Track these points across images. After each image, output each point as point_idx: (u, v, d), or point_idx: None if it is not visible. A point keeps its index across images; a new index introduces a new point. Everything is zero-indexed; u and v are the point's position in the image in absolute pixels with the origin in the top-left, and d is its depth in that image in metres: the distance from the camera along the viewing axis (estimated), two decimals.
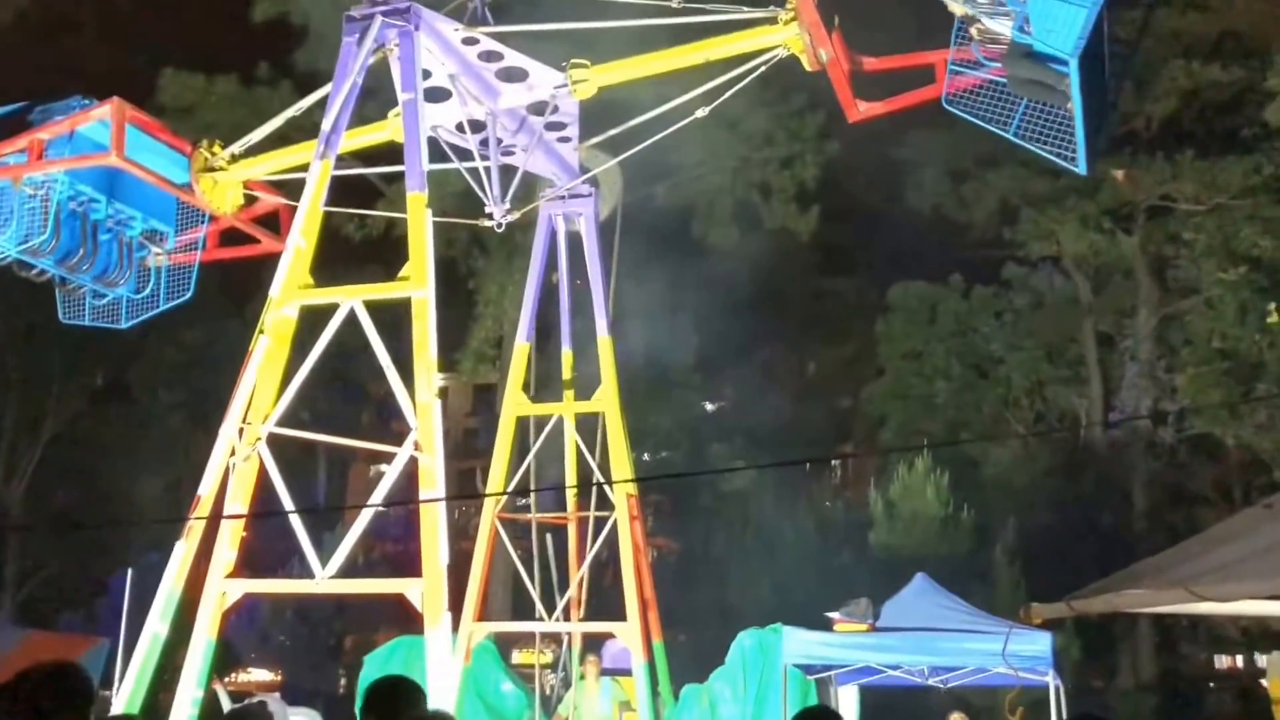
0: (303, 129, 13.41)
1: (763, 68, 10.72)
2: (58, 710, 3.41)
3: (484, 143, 11.98)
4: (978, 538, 22.70)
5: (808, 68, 10.41)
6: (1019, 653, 11.26)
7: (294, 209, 11.59)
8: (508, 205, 12.11)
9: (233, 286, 31.89)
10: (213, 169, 12.61)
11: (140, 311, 13.49)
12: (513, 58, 11.42)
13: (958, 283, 30.41)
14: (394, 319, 11.57)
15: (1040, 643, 11.35)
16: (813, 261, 24.25)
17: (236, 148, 12.60)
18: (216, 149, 12.66)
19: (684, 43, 10.94)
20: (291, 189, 12.64)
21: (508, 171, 12.26)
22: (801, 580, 20.97)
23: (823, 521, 29.55)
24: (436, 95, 11.64)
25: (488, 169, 12.04)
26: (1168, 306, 28.43)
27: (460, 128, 11.95)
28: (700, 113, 11.24)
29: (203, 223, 13.22)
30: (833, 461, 38.16)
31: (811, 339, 33.10)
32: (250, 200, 13.21)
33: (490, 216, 12.11)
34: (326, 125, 11.18)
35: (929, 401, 28.42)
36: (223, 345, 27.88)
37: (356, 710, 5.82)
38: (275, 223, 13.55)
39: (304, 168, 11.60)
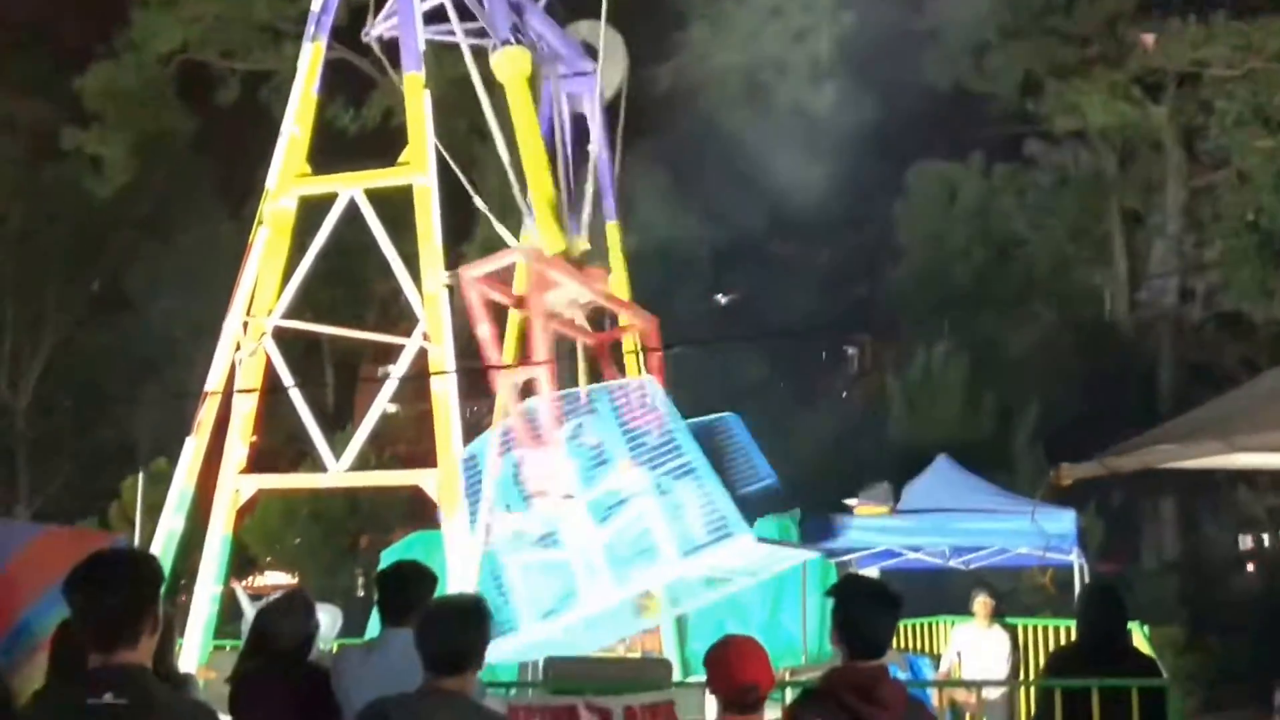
0: None
1: None
2: (133, 586, 3.34)
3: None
4: (1000, 422, 22.47)
5: None
6: (1043, 531, 11.10)
7: None
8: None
9: (228, 188, 31.54)
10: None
11: None
12: None
13: (978, 162, 29.70)
14: (395, 215, 11.28)
15: (1064, 521, 11.20)
16: (826, 144, 23.65)
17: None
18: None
19: None
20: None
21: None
22: (819, 471, 20.83)
23: (840, 413, 29.42)
24: None
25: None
26: (1198, 179, 27.71)
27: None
28: None
29: None
30: (849, 350, 37.96)
31: (827, 226, 32.56)
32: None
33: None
34: (315, 5, 10.81)
35: (947, 284, 27.97)
36: (219, 249, 27.53)
37: (376, 600, 5.74)
38: None
39: None
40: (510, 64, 10.50)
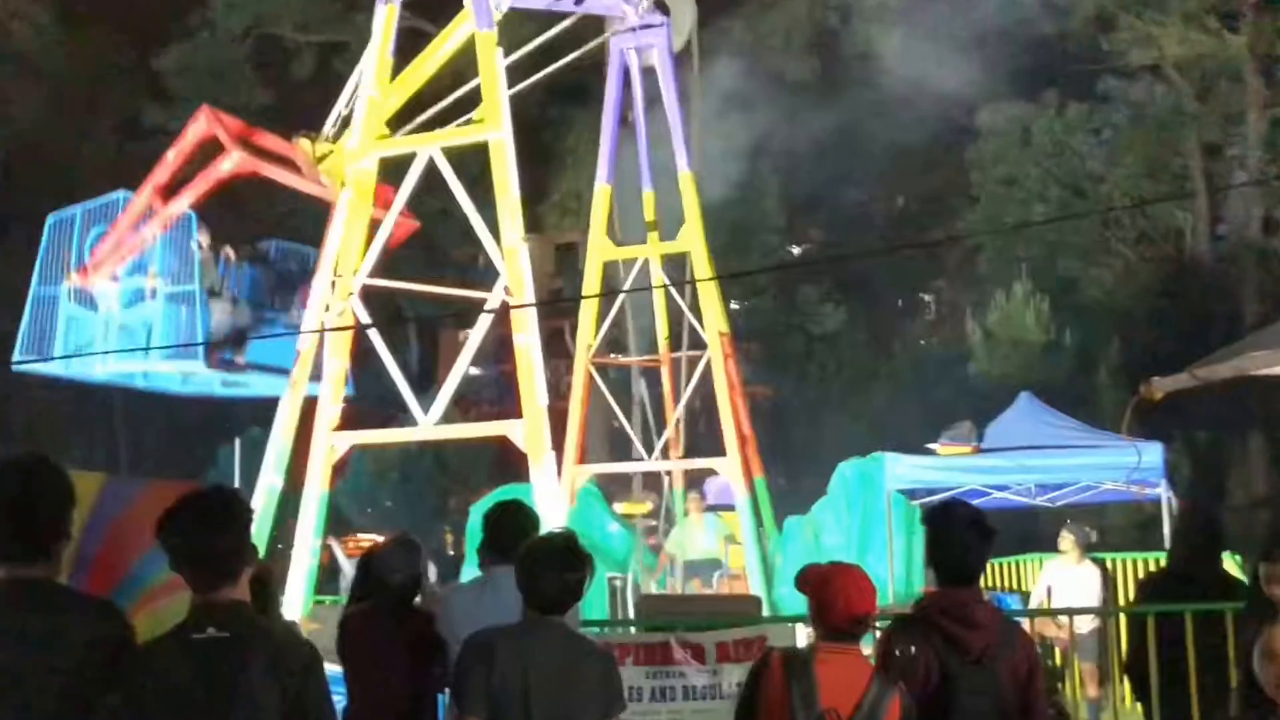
0: None
1: None
2: (228, 525, 3.46)
3: None
4: (1081, 362, 22.23)
5: None
6: (1131, 462, 11.02)
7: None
8: None
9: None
10: (322, 156, 12.05)
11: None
12: None
13: (1052, 100, 29.13)
14: (471, 178, 11.46)
15: (1152, 453, 11.11)
16: (896, 88, 23.36)
17: (329, 126, 12.03)
18: (313, 137, 12.09)
19: None
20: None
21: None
22: (900, 416, 20.80)
23: (919, 359, 29.21)
24: None
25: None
26: (1278, 108, 26.93)
27: None
28: None
29: None
30: (926, 296, 37.59)
31: (899, 171, 32.17)
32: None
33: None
34: None
35: (1025, 228, 27.56)
36: (303, 219, 28.07)
37: (469, 545, 5.91)
38: None
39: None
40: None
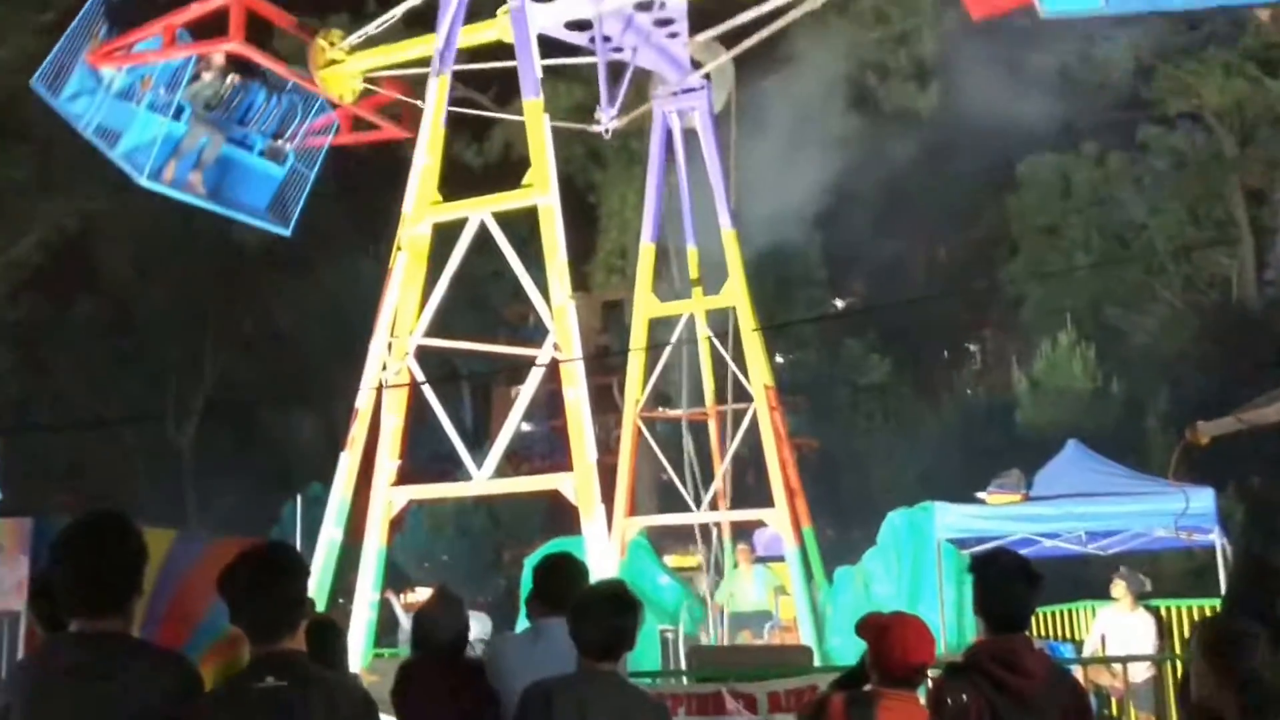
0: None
1: None
2: (284, 578, 3.63)
3: (592, 40, 11.96)
4: (1129, 410, 22.11)
5: None
6: (1182, 509, 10.94)
7: (412, 99, 11.71)
8: (615, 110, 12.07)
9: (364, 227, 32.92)
10: (332, 60, 12.66)
11: (287, 208, 13.58)
12: None
13: (1091, 151, 29.20)
14: (520, 240, 11.82)
15: (1203, 498, 11.02)
16: (935, 142, 23.58)
17: (355, 38, 12.63)
18: (335, 39, 12.70)
19: None
20: (415, 83, 12.69)
21: (616, 77, 12.21)
22: (947, 466, 20.78)
23: (966, 408, 29.14)
24: None
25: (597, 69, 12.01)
26: None
27: (569, 26, 11.93)
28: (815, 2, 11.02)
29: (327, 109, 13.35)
30: (971, 346, 37.52)
31: (940, 223, 32.33)
32: (370, 93, 13.21)
33: (599, 122, 12.05)
34: (439, 41, 11.38)
35: (1069, 275, 27.59)
36: (359, 285, 28.79)
37: (522, 597, 6.05)
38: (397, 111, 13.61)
39: (422, 61, 11.72)
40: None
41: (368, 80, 12.86)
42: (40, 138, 29.88)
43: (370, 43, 12.71)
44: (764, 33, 11.76)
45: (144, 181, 12.40)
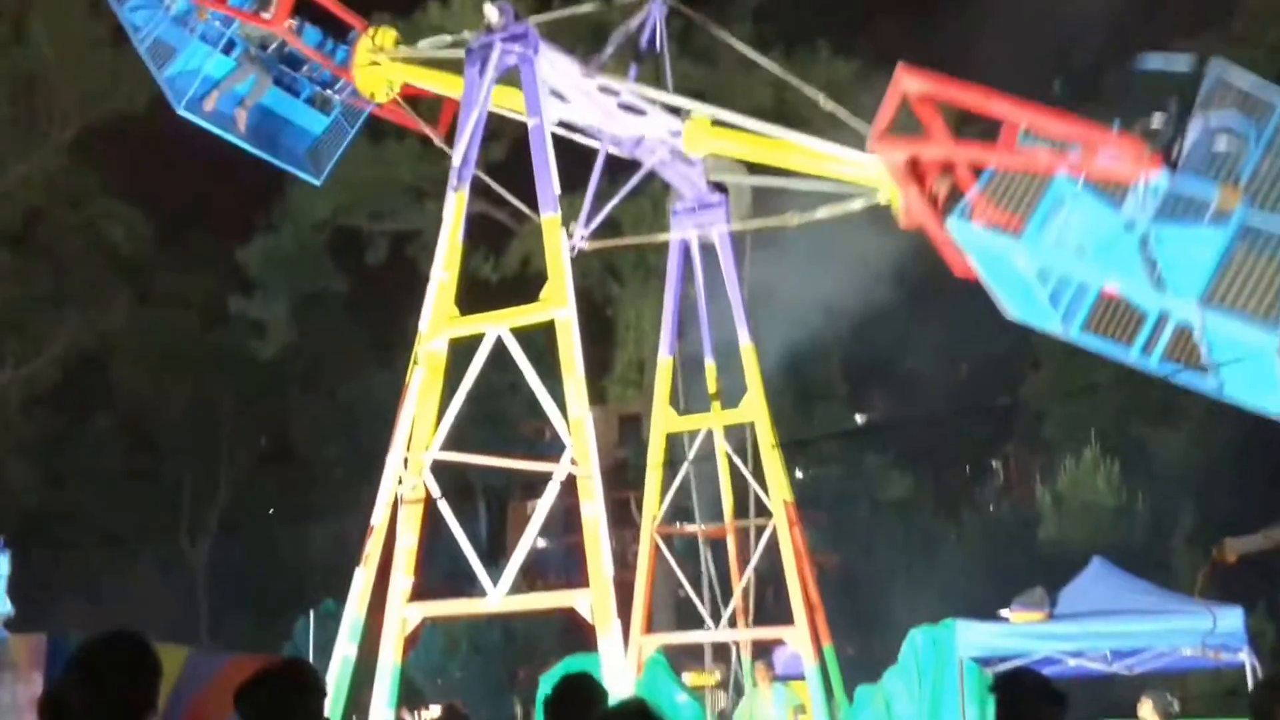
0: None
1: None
2: (301, 696, 3.65)
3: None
4: (1155, 526, 21.83)
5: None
6: (1210, 628, 10.70)
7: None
8: (587, 233, 12.19)
9: (380, 341, 33.27)
10: (374, 61, 12.66)
11: (323, 160, 13.61)
12: (630, 97, 11.59)
13: None
14: (537, 354, 11.86)
15: (1232, 617, 10.78)
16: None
17: (404, 51, 12.66)
18: (385, 41, 12.72)
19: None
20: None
21: (600, 202, 12.38)
22: (969, 583, 20.48)
23: (988, 524, 28.80)
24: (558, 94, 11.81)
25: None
26: None
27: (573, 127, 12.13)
28: (792, 220, 11.22)
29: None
30: (993, 462, 37.25)
31: (961, 338, 32.36)
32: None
33: (569, 235, 12.02)
34: (457, 159, 11.52)
35: (1092, 391, 27.42)
36: (374, 400, 29.00)
37: (537, 716, 5.89)
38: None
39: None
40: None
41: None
42: (59, 255, 30.66)
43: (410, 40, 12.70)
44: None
45: (181, 110, 12.47)
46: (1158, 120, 8.27)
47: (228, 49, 12.64)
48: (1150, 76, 8.51)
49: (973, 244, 8.90)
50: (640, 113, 11.74)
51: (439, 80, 12.53)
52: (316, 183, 13.76)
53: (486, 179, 12.75)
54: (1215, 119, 8.38)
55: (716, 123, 11.31)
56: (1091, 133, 8.32)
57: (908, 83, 8.99)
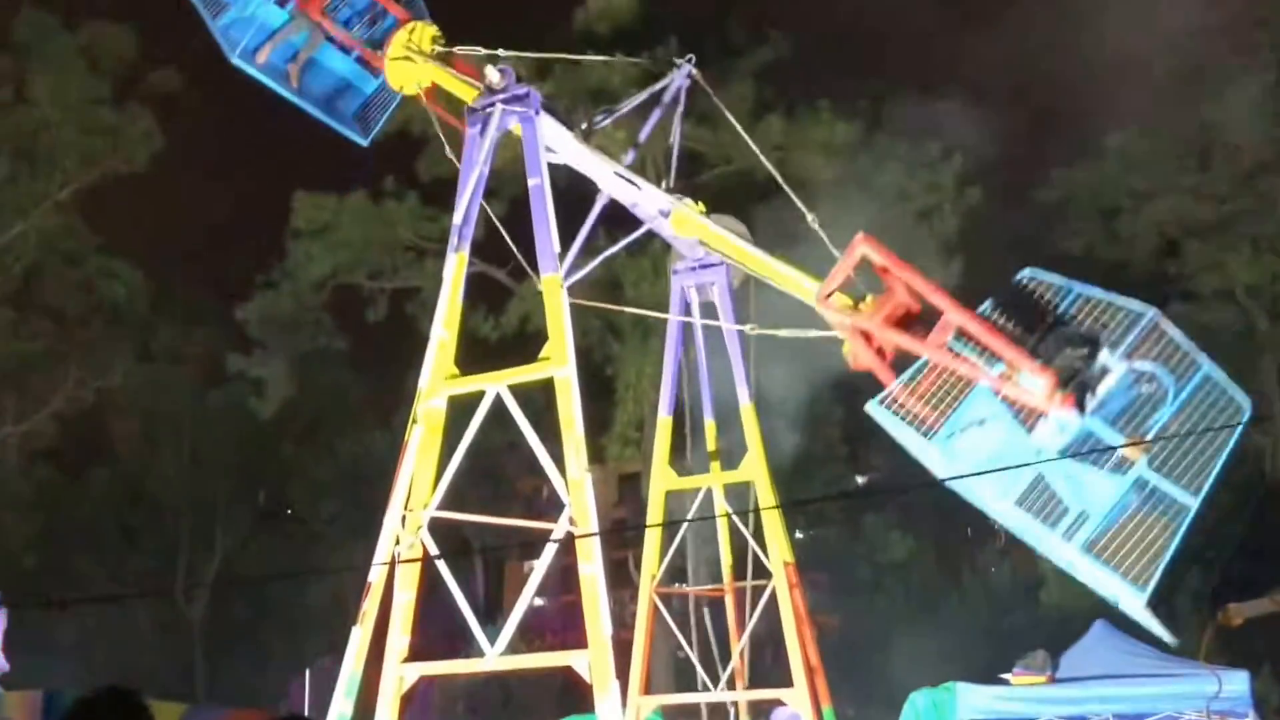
0: None
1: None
2: None
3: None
4: (1158, 589, 21.58)
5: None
6: (1215, 692, 10.62)
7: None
8: (568, 268, 12.17)
9: (378, 399, 33.30)
10: (407, 56, 12.53)
11: (370, 121, 13.54)
12: (625, 171, 11.72)
13: None
14: (536, 413, 11.85)
15: (1237, 681, 10.73)
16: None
17: (440, 48, 12.53)
18: (422, 40, 12.55)
19: None
20: None
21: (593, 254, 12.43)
22: (970, 646, 20.27)
23: (989, 586, 28.59)
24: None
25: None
26: None
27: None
28: (751, 331, 11.41)
29: None
30: (994, 524, 37.00)
31: None
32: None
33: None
34: (457, 218, 11.59)
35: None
36: (373, 458, 28.97)
37: None
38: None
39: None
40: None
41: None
42: (57, 311, 30.80)
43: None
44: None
45: (235, 59, 12.31)
46: (1075, 358, 8.57)
47: (282, 1, 12.59)
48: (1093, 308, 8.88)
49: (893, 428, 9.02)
50: (634, 184, 11.81)
51: (469, 93, 12.22)
52: (364, 143, 13.56)
53: (499, 229, 12.74)
54: (1139, 365, 8.67)
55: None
56: (1016, 355, 8.56)
57: (864, 249, 9.34)
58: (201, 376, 34.19)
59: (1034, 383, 8.49)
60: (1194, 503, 8.55)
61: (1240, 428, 8.79)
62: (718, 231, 11.30)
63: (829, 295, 9.60)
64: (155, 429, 34.47)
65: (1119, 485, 8.53)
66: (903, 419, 8.91)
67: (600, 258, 12.92)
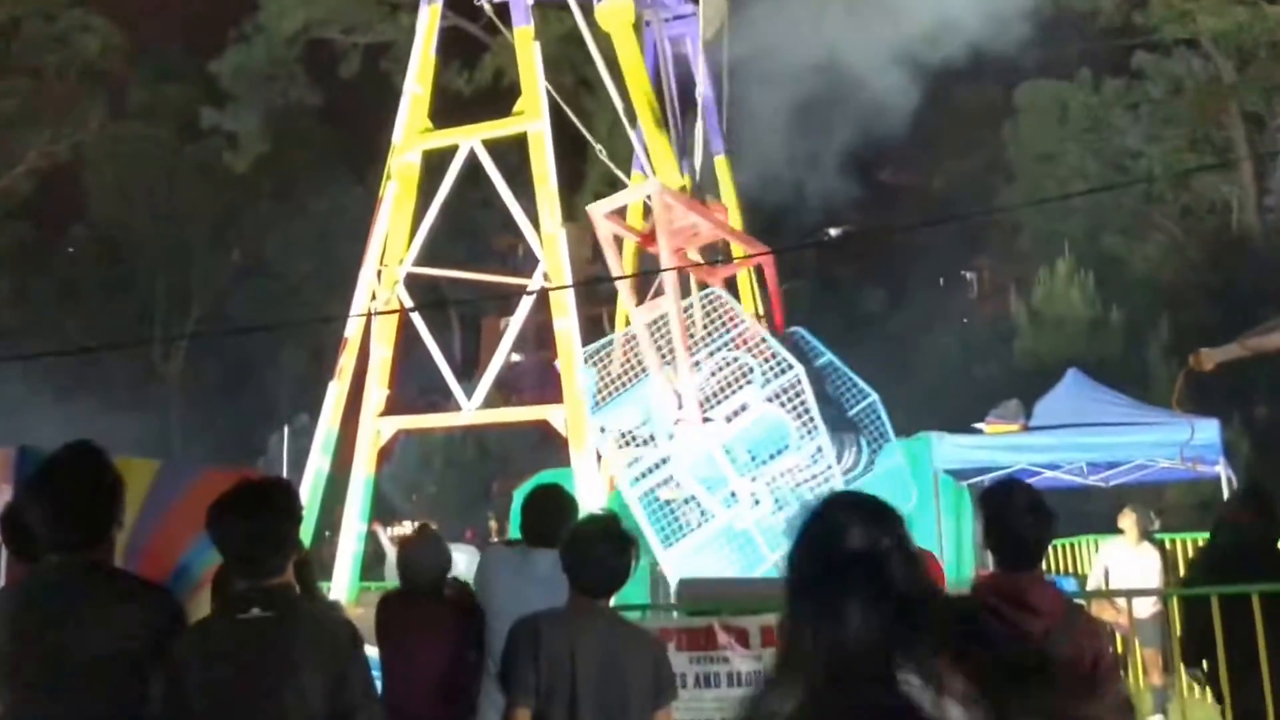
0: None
1: None
2: (281, 515, 3.53)
3: None
4: (1129, 338, 21.87)
5: None
6: (1186, 439, 10.71)
7: None
8: None
9: (353, 155, 32.61)
10: None
11: None
12: None
13: (1086, 78, 28.70)
14: (511, 170, 11.58)
15: (1208, 430, 10.79)
16: (929, 69, 23.05)
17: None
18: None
19: None
20: None
21: None
22: (943, 395, 20.57)
23: (962, 337, 28.93)
24: None
25: None
26: None
27: None
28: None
29: None
30: (968, 275, 37.32)
31: (935, 152, 31.88)
32: None
33: None
34: None
35: (1065, 203, 27.25)
36: (349, 214, 28.55)
37: (511, 529, 5.89)
38: None
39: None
40: (615, 15, 10.64)
41: None
42: (30, 69, 29.80)
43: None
44: None
45: None
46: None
47: None
48: None
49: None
50: None
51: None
52: None
53: None
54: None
55: None
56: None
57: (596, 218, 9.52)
58: (176, 131, 33.53)
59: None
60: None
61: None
62: None
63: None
64: (131, 185, 33.82)
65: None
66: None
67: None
